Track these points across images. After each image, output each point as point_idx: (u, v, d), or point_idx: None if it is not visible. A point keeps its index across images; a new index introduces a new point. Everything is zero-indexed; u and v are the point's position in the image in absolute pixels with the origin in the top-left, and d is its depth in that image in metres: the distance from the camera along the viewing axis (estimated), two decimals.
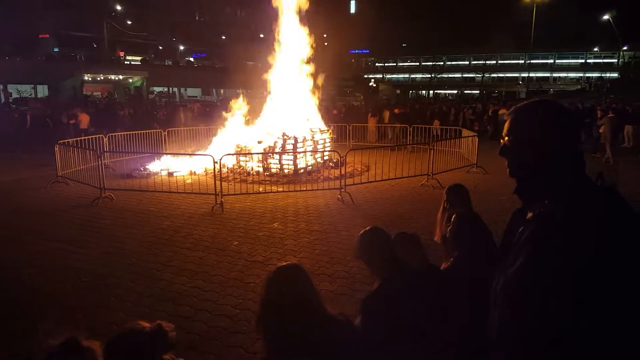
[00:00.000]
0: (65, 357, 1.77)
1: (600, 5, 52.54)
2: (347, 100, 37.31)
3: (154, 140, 14.57)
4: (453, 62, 74.11)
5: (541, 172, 1.44)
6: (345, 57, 60.21)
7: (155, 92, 46.13)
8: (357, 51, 71.32)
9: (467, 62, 73.63)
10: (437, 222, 3.85)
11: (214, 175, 9.19)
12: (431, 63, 73.21)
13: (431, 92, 70.33)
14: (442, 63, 74.00)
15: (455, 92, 69.54)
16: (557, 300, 1.23)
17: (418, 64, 76.31)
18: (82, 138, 12.80)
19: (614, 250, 1.22)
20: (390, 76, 77.98)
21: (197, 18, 58.24)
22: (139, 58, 53.35)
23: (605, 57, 64.78)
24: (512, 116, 1.54)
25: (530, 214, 1.47)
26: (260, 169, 11.85)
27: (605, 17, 45.00)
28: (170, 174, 11.58)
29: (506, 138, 1.53)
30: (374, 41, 66.36)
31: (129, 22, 51.61)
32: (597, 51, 64.59)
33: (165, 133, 14.77)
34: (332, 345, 1.93)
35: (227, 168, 11.79)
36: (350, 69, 62.33)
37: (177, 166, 12.19)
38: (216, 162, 9.12)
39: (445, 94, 69.71)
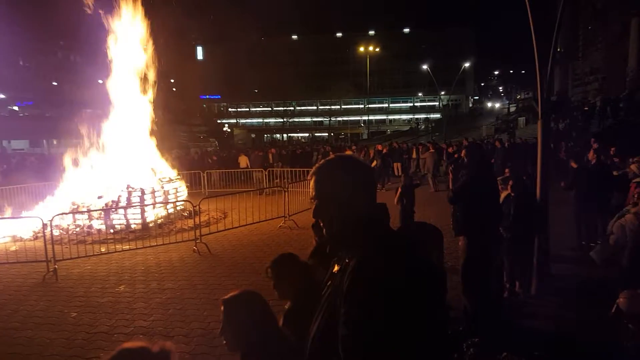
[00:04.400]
0: None
1: (421, 56, 61.33)
2: (201, 145, 36.60)
3: None
4: (302, 107, 78.45)
5: (346, 227, 1.50)
6: (196, 103, 59.44)
7: None
8: (207, 96, 71.07)
9: (315, 107, 78.70)
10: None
11: (44, 238, 8.05)
12: (282, 108, 76.42)
13: (285, 135, 73.10)
14: (292, 108, 77.78)
15: (307, 134, 73.40)
16: None
17: (270, 109, 79.01)
18: None
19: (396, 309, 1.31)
20: (244, 121, 79.17)
21: (21, 63, 52.11)
22: None
23: (429, 101, 74.96)
24: (314, 177, 1.57)
25: (337, 267, 1.53)
26: (103, 227, 10.77)
27: (425, 67, 52.28)
28: None
29: (314, 201, 1.56)
30: (225, 86, 67.04)
31: None
32: (421, 95, 74.59)
33: None
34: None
35: (62, 229, 10.45)
36: (202, 114, 61.69)
37: None
38: (46, 224, 8.02)
39: (298, 136, 73.09)
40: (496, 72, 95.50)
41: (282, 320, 2.59)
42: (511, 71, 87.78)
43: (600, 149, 10.01)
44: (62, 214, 9.99)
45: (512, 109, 57.93)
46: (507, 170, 6.87)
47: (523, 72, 73.30)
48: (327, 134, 71.31)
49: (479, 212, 4.78)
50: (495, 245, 5.05)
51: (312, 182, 1.57)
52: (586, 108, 27.01)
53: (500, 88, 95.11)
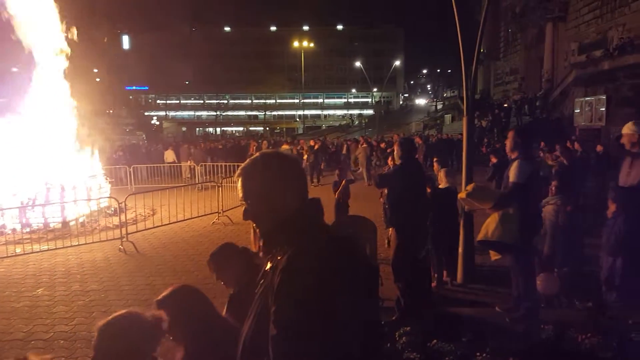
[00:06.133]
0: None
1: (354, 53, 62.42)
2: (127, 139, 34.79)
3: None
4: (237, 101, 77.03)
5: (278, 225, 1.47)
6: (121, 94, 56.46)
7: None
8: (134, 87, 67.64)
9: (250, 101, 77.58)
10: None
11: None
12: (215, 101, 74.56)
13: (218, 129, 71.44)
14: (226, 101, 76.14)
15: (241, 128, 72.25)
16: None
17: (202, 101, 76.72)
18: None
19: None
20: (175, 113, 76.26)
21: None
22: None
23: (362, 97, 76.56)
24: (240, 178, 1.53)
25: (269, 264, 1.50)
26: (18, 226, 9.93)
27: (357, 63, 53.35)
28: None
29: (244, 202, 1.53)
30: (153, 78, 64.22)
31: None
32: (355, 92, 76.00)
33: None
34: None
35: None
36: (128, 105, 58.72)
37: None
38: None
39: (232, 130, 71.69)
40: (424, 71, 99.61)
41: (226, 306, 2.71)
42: (438, 70, 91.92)
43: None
44: None
45: (439, 107, 60.66)
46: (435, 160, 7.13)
47: (449, 71, 76.93)
48: (262, 128, 70.67)
49: (406, 204, 4.94)
50: (422, 236, 5.25)
51: (239, 184, 1.53)
52: (506, 105, 28.87)
53: (428, 86, 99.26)
